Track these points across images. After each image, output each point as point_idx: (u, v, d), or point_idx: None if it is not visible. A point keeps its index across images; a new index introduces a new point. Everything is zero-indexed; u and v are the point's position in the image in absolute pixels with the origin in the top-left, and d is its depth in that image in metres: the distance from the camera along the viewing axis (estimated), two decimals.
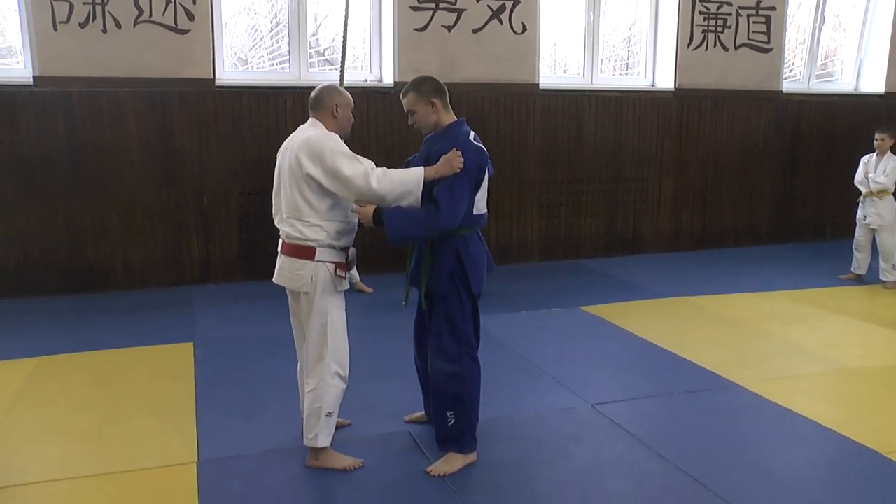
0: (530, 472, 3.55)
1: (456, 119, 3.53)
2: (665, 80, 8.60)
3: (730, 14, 8.60)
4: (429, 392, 3.78)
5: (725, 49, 8.66)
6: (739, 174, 9.03)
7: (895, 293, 6.90)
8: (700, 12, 8.44)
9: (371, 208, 3.29)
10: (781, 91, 9.04)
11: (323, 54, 7.65)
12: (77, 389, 4.52)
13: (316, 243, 3.35)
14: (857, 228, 7.27)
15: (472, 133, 3.49)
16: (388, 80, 7.52)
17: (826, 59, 9.76)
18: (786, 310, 6.30)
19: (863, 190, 7.17)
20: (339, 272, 3.41)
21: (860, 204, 7.22)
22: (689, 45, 8.47)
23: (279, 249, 3.49)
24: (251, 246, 7.17)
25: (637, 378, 4.79)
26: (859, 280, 7.30)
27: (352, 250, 3.53)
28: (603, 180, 8.41)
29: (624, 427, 4.01)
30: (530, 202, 8.16)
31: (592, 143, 8.28)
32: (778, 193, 9.28)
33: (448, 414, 3.54)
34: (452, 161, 3.30)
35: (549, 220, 8.25)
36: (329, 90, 3.49)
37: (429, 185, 3.33)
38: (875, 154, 7.10)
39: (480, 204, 3.51)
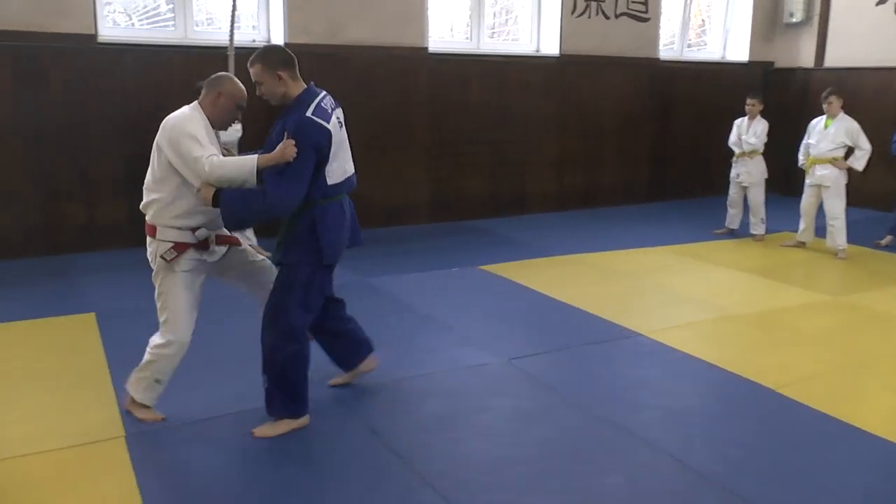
0: (457, 425, 3.67)
1: (305, 87, 3.47)
2: (550, 47, 8.85)
3: None
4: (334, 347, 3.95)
5: (606, 17, 9.00)
6: (618, 136, 9.46)
7: (764, 245, 7.53)
8: None
9: (212, 191, 3.31)
10: (658, 58, 9.51)
11: (204, 12, 7.36)
12: None
13: (157, 222, 3.47)
14: (730, 186, 7.83)
15: (322, 99, 3.42)
16: (278, 40, 7.35)
17: (699, 28, 10.36)
18: (670, 263, 6.74)
19: (736, 150, 7.71)
20: (170, 252, 3.45)
21: (733, 163, 7.76)
22: (572, 13, 8.74)
23: None
24: (139, 210, 6.84)
25: (544, 332, 5.01)
26: (732, 234, 7.89)
27: (202, 231, 3.50)
28: (489, 143, 8.58)
29: (539, 379, 4.21)
30: (417, 165, 8.23)
31: (478, 107, 8.42)
32: (654, 154, 9.81)
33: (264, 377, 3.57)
34: (286, 151, 3.26)
35: (436, 182, 8.34)
36: (225, 78, 3.53)
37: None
38: (747, 118, 7.63)
39: (337, 173, 3.48)
